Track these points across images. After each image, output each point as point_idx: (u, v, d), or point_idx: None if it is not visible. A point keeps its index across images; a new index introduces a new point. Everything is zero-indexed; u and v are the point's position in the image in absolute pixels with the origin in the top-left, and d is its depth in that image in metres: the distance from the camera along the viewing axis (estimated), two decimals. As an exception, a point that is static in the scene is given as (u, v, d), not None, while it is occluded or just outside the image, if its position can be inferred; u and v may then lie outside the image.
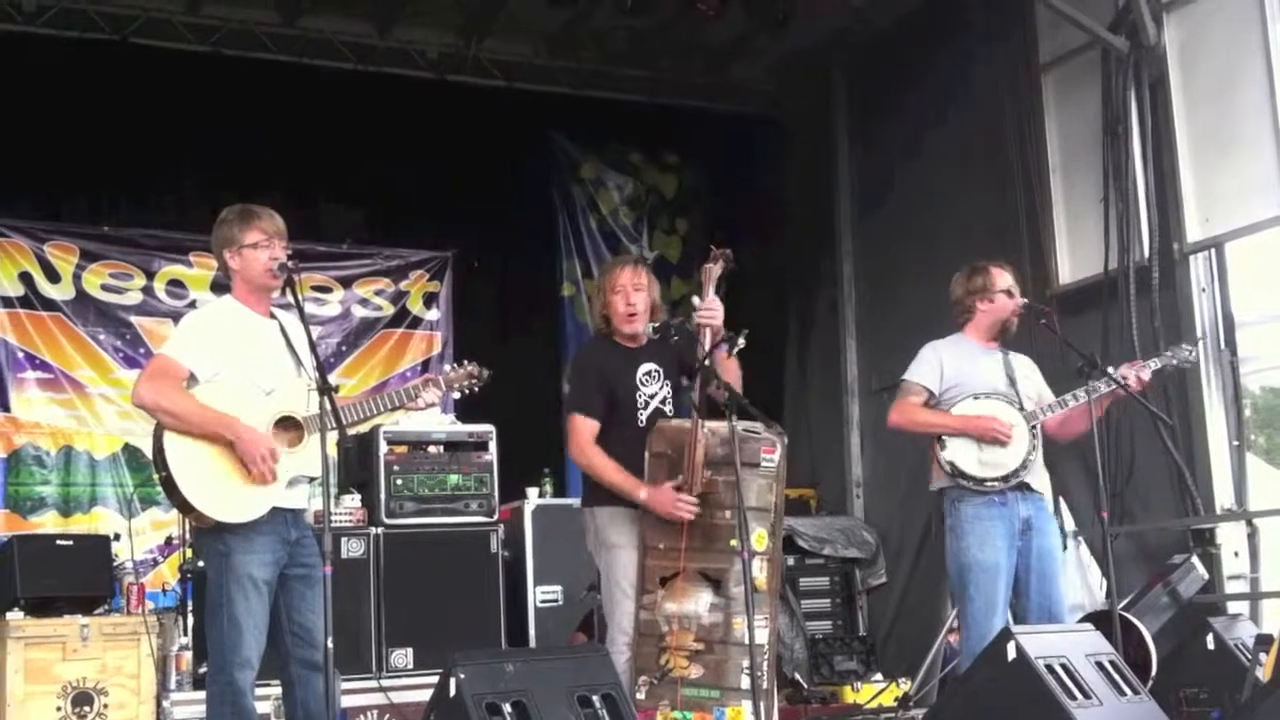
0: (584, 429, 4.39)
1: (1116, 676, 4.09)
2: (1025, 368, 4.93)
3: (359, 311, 8.19)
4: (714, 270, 4.39)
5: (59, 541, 6.03)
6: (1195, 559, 5.81)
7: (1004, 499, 4.66)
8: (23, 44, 7.11)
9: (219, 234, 4.01)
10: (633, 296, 4.44)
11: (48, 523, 7.20)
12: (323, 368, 3.80)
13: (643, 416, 4.42)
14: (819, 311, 8.53)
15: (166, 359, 3.90)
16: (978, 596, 4.61)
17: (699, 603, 4.17)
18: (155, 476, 3.92)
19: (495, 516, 6.31)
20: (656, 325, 4.45)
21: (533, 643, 6.34)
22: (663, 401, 4.46)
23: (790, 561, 7.12)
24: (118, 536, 6.32)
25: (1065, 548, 6.14)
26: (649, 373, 4.46)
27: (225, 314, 3.99)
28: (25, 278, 7.39)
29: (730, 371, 4.32)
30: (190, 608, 5.79)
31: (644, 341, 4.51)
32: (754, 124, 8.41)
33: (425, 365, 8.24)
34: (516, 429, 6.57)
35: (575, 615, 6.29)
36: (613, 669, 3.80)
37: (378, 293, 8.24)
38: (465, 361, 4.27)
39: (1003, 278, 4.88)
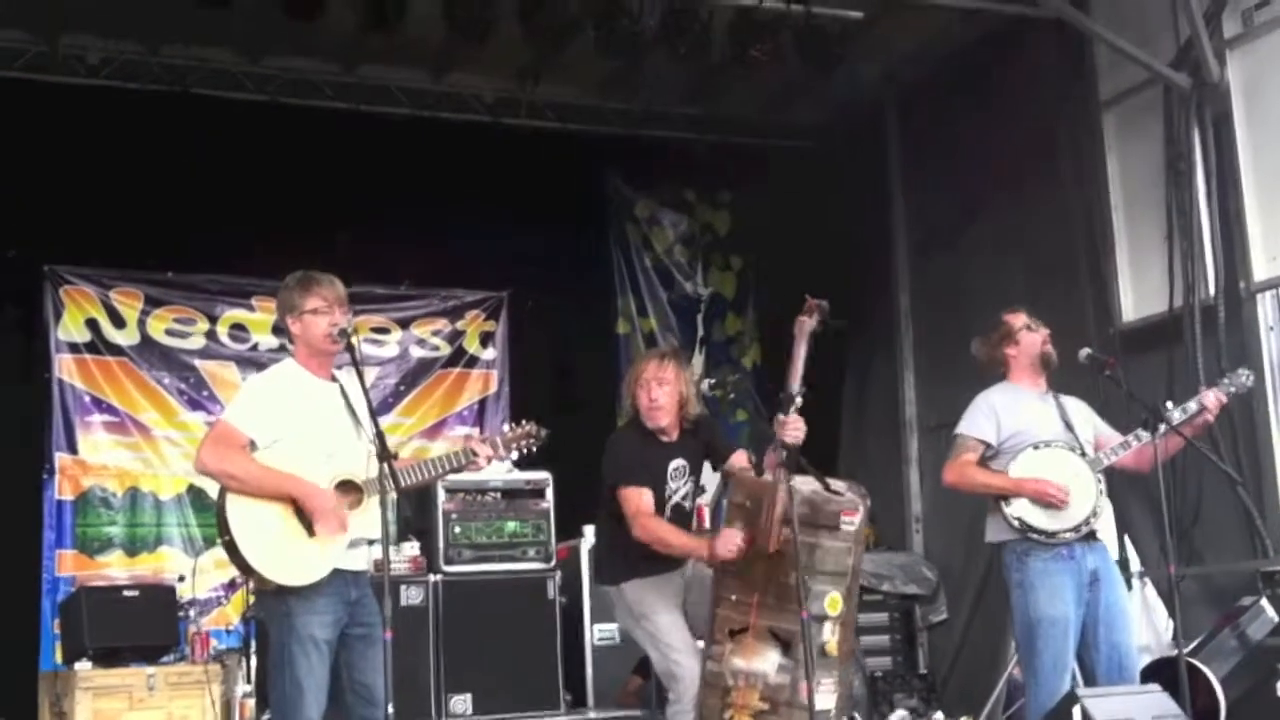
0: (641, 499, 4.38)
1: (1185, 740, 4.02)
2: (1080, 411, 4.84)
3: (416, 352, 8.27)
4: (807, 324, 4.20)
5: (125, 592, 6.18)
6: (1265, 601, 5.65)
7: (1071, 552, 4.58)
8: (88, 96, 7.23)
9: (281, 300, 4.11)
10: (655, 391, 4.44)
11: (114, 563, 7.32)
12: (382, 434, 3.86)
13: (666, 510, 4.45)
14: (876, 347, 8.46)
15: (227, 426, 4.00)
16: (1046, 652, 4.53)
17: (767, 661, 4.16)
18: (219, 541, 3.99)
19: (553, 563, 6.36)
20: (695, 417, 4.45)
21: (590, 685, 6.35)
22: (684, 498, 4.50)
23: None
24: (182, 578, 6.42)
25: (1130, 588, 6.02)
26: (677, 468, 4.50)
27: (286, 379, 4.07)
28: (92, 324, 7.55)
29: None
30: (254, 649, 5.87)
31: (675, 436, 4.51)
32: (808, 160, 8.36)
33: (482, 404, 8.30)
34: (572, 466, 6.52)
35: (632, 656, 6.27)
36: (670, 735, 3.81)
37: (435, 333, 8.32)
38: (523, 421, 4.33)
39: (1017, 319, 4.82)
